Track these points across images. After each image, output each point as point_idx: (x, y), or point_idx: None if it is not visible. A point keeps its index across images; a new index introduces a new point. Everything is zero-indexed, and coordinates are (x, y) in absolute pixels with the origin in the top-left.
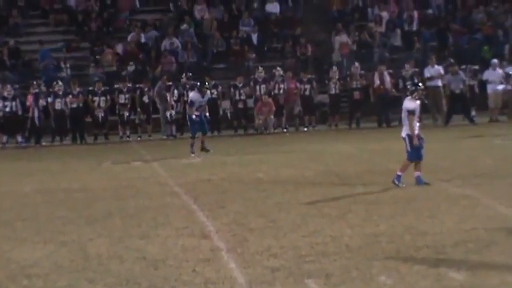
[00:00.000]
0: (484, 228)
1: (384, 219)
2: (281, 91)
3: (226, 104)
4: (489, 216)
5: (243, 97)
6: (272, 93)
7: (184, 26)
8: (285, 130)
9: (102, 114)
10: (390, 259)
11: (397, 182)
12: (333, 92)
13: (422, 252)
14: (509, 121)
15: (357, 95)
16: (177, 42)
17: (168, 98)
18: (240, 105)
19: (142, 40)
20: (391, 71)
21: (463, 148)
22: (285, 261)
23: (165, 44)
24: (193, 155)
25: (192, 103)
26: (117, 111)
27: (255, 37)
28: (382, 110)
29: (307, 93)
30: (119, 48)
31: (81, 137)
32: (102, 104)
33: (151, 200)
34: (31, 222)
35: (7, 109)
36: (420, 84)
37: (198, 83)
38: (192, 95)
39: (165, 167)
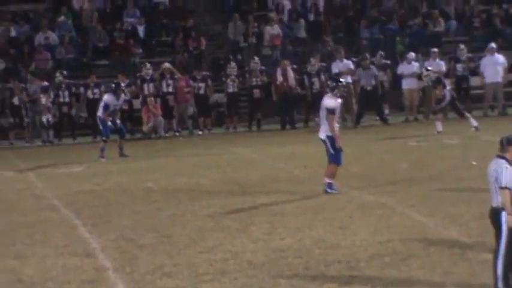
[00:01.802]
0: (401, 240)
1: (290, 232)
2: (170, 89)
3: None
4: (406, 226)
5: (128, 97)
6: (161, 93)
7: (61, 18)
8: (177, 134)
9: None
10: (298, 276)
11: (329, 191)
12: (230, 90)
13: (333, 267)
14: (426, 121)
15: (257, 93)
16: (53, 36)
17: (44, 100)
18: (125, 107)
19: (13, 34)
20: (295, 66)
21: (376, 151)
22: (180, 280)
23: (39, 38)
24: (103, 160)
25: (106, 107)
26: None
27: (141, 29)
28: (286, 110)
29: (201, 92)
30: None
31: None
32: None
33: (26, 215)
34: None
35: None
36: (342, 80)
37: (113, 85)
38: (107, 97)
39: (41, 178)
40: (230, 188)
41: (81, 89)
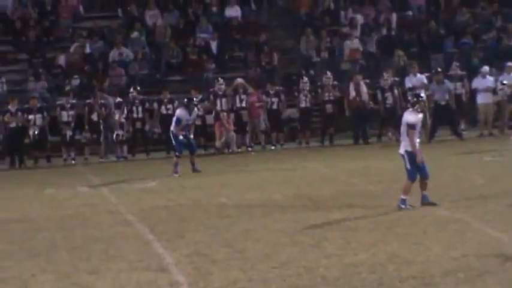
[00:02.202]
0: (476, 255)
1: (364, 247)
2: (243, 104)
3: None
4: (481, 242)
5: (200, 113)
6: (234, 108)
7: (134, 34)
8: (249, 149)
9: (36, 132)
10: None
11: (403, 207)
12: (303, 105)
13: (407, 283)
14: (501, 135)
15: (329, 108)
16: (126, 52)
17: (117, 116)
18: (198, 122)
19: (88, 50)
20: (367, 80)
21: (450, 166)
22: None
23: (113, 54)
24: (176, 175)
25: (178, 121)
26: (59, 131)
27: (214, 45)
28: (359, 125)
29: (274, 107)
30: (61, 59)
31: (21, 160)
32: (38, 122)
33: (101, 230)
34: None
35: None
36: (422, 94)
37: (185, 100)
38: (179, 112)
39: (115, 193)
40: (303, 203)
41: (155, 105)
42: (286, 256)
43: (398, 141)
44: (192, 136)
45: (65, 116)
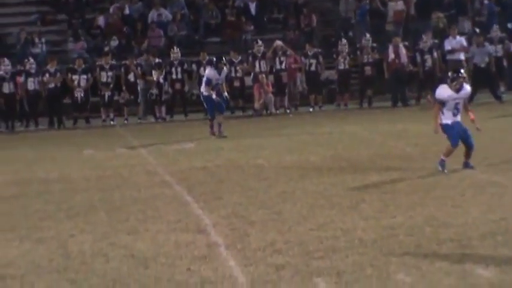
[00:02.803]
0: None
1: (402, 209)
2: (283, 66)
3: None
4: None
5: (239, 74)
6: (274, 70)
7: None
8: (287, 111)
9: (82, 95)
10: (409, 254)
11: (440, 168)
12: (341, 67)
13: (445, 246)
14: None
15: (368, 70)
16: (165, 13)
17: (155, 76)
18: (236, 84)
19: (127, 12)
20: (406, 43)
21: (489, 129)
22: (290, 257)
23: (152, 15)
24: (213, 136)
25: (208, 81)
26: (98, 92)
27: (253, 7)
28: (397, 88)
29: (312, 68)
30: (101, 20)
31: (59, 121)
32: (83, 84)
33: (139, 191)
34: (4, 217)
35: None
36: (462, 71)
37: (214, 58)
38: (208, 71)
39: (154, 154)
40: (341, 166)
41: (193, 66)
42: (323, 218)
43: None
44: (226, 94)
45: (104, 76)
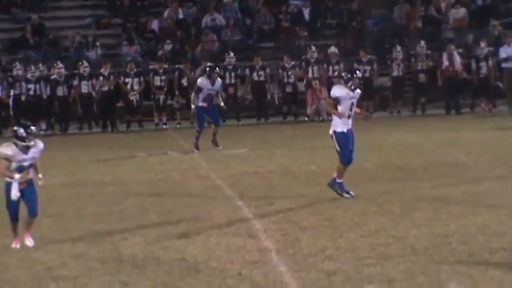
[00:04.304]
0: None
1: (454, 218)
2: (336, 73)
3: (274, 88)
4: None
5: (291, 80)
6: (326, 77)
7: (227, 0)
8: None
9: (137, 98)
10: (461, 263)
11: (340, 192)
12: (395, 74)
13: (498, 255)
14: None
15: (422, 77)
16: (219, 18)
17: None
18: (289, 89)
19: (180, 16)
20: (460, 50)
21: None
22: (342, 264)
23: (206, 20)
24: (196, 151)
25: (199, 90)
26: (152, 96)
27: (306, 12)
28: (451, 95)
29: (366, 75)
30: (155, 25)
31: (113, 124)
32: (136, 87)
33: (191, 195)
34: (58, 218)
35: (31, 92)
36: (358, 72)
37: (207, 68)
38: (200, 81)
39: (206, 158)
40: (393, 173)
41: (247, 71)
42: (375, 225)
43: (491, 111)
44: (222, 104)
45: (157, 80)
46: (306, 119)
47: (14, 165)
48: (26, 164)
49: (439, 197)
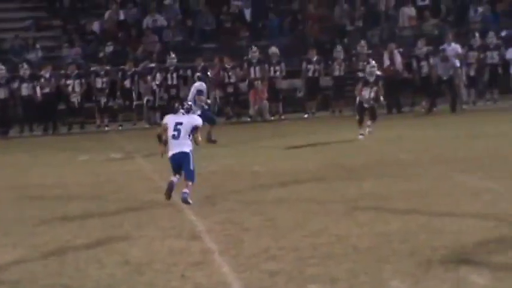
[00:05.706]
0: (509, 226)
1: (396, 216)
2: (277, 73)
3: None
4: None
5: (232, 80)
6: (267, 77)
7: (168, 1)
8: (282, 117)
9: (78, 100)
10: (403, 261)
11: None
12: (337, 73)
13: (439, 253)
14: None
15: None
16: (160, 19)
17: (150, 82)
18: (230, 90)
19: (121, 17)
20: (401, 49)
21: (485, 136)
22: (284, 264)
23: (147, 21)
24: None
25: (201, 93)
26: (93, 97)
27: (248, 13)
28: (392, 94)
29: (316, 74)
30: (96, 26)
31: (54, 126)
32: (77, 89)
33: (134, 198)
34: None
35: None
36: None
37: (200, 74)
38: (199, 84)
39: (149, 160)
40: (335, 172)
41: (188, 72)
42: (317, 225)
43: (431, 111)
44: (209, 101)
45: (99, 82)
46: (249, 119)
47: None
48: None
49: (381, 195)
